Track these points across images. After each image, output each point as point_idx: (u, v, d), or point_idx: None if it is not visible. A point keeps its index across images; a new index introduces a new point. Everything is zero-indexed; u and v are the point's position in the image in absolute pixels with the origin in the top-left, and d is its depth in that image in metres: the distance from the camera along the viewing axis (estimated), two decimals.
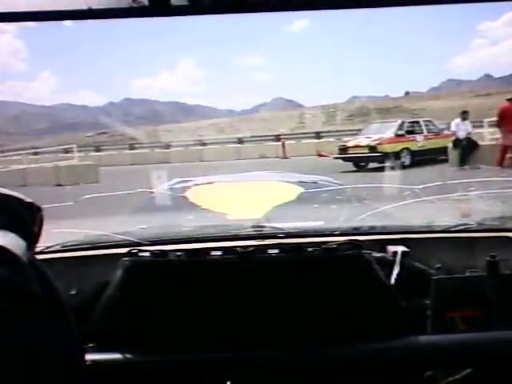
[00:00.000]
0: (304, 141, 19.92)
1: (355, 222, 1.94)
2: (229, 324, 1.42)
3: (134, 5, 0.98)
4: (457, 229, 1.79)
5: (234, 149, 20.95)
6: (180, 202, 2.68)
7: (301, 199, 2.62)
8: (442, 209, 2.08)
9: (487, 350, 1.44)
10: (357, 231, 1.78)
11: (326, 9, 1.04)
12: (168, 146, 22.78)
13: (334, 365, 1.41)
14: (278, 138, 20.73)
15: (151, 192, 3.11)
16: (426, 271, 1.59)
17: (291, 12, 1.03)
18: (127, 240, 1.69)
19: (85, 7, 0.98)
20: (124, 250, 1.53)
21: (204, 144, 22.96)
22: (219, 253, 1.49)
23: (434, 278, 1.51)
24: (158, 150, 22.25)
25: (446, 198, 2.10)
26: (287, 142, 18.83)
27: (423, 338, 1.45)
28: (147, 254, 1.49)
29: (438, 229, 1.82)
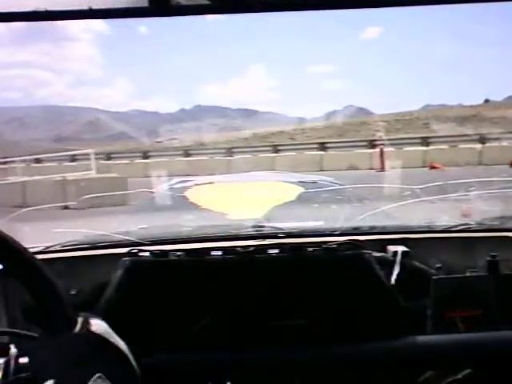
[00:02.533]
0: (407, 148, 15.59)
1: (355, 222, 1.93)
2: (229, 324, 1.42)
3: (135, 5, 0.98)
4: (457, 229, 1.79)
5: (314, 157, 15.97)
6: (180, 202, 2.68)
7: (301, 199, 2.61)
8: (442, 209, 2.08)
9: (487, 350, 1.44)
10: (357, 231, 1.77)
11: (325, 9, 1.04)
12: (231, 153, 18.22)
13: (334, 365, 1.41)
14: (372, 143, 16.45)
15: (151, 192, 3.11)
16: (426, 271, 1.59)
17: (291, 12, 1.03)
18: (127, 240, 1.69)
19: (85, 7, 0.98)
20: (124, 250, 1.53)
21: (277, 151, 17.98)
22: (219, 253, 1.49)
23: (434, 277, 1.51)
24: (218, 158, 17.27)
25: (446, 197, 2.09)
26: (386, 150, 14.47)
27: (423, 338, 1.45)
28: (147, 253, 1.49)
29: (438, 229, 1.81)
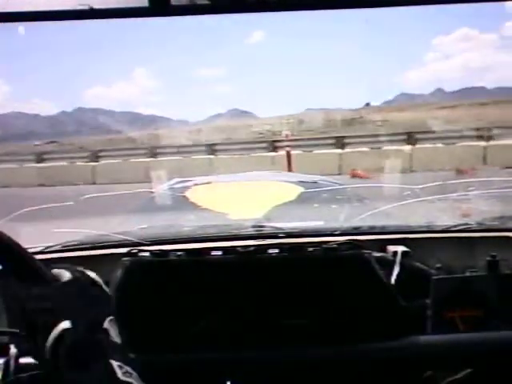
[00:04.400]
0: (318, 150, 13.23)
1: (355, 222, 1.93)
2: (229, 324, 1.42)
3: (135, 5, 0.98)
4: (457, 229, 1.79)
5: (202, 162, 12.54)
6: (180, 202, 2.68)
7: (301, 199, 2.62)
8: (442, 209, 2.08)
9: (487, 350, 1.44)
10: (357, 231, 1.78)
11: (325, 9, 1.04)
12: (96, 158, 14.64)
13: (334, 365, 1.41)
14: (274, 145, 14.02)
15: (151, 192, 3.11)
16: (426, 271, 1.59)
17: (291, 12, 1.03)
18: (127, 240, 1.69)
19: (85, 7, 0.98)
20: (124, 250, 1.53)
21: (155, 154, 14.53)
22: (219, 252, 1.50)
23: (434, 277, 1.51)
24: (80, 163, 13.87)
25: (446, 197, 2.09)
26: (293, 152, 12.15)
27: (423, 338, 1.45)
28: (147, 253, 1.49)
29: (438, 229, 1.81)
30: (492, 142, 11.50)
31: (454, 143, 11.47)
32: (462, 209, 2.14)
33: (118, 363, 1.01)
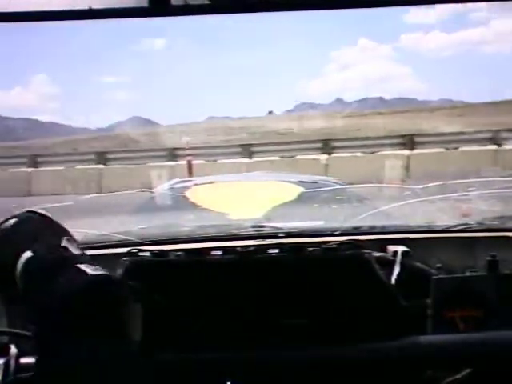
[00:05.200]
0: (224, 160, 11.45)
1: (355, 222, 1.93)
2: (229, 324, 1.42)
3: (135, 5, 0.98)
4: (457, 229, 1.79)
5: (92, 173, 11.16)
6: (180, 202, 2.68)
7: (301, 199, 2.62)
8: (443, 208, 2.08)
9: (487, 350, 1.44)
10: (357, 231, 1.78)
11: (325, 9, 1.04)
12: None
13: (334, 365, 1.40)
14: (174, 154, 12.28)
15: (151, 192, 3.11)
16: (426, 271, 1.59)
17: (291, 12, 1.03)
18: (127, 240, 1.69)
19: (85, 7, 0.98)
20: (124, 250, 1.53)
21: (35, 164, 12.82)
22: (219, 252, 1.50)
23: (434, 277, 1.51)
24: None
25: (447, 197, 2.09)
26: (196, 162, 10.44)
27: (423, 338, 1.45)
28: (147, 253, 1.49)
29: (438, 229, 1.82)
30: (416, 151, 11.08)
31: (373, 152, 10.81)
32: (462, 209, 2.14)
33: (85, 264, 1.14)
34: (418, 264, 1.62)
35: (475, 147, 10.49)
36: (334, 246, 1.50)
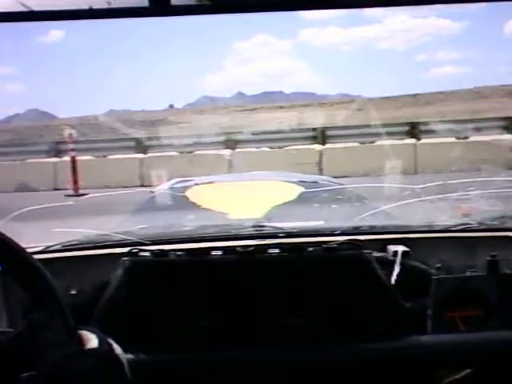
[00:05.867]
0: (115, 156, 10.47)
1: (355, 222, 1.93)
2: (229, 324, 1.42)
3: (135, 5, 0.98)
4: (457, 228, 1.79)
5: None
6: (180, 202, 2.68)
7: (301, 199, 2.61)
8: (443, 208, 2.07)
9: (487, 350, 1.44)
10: (357, 231, 1.77)
11: (325, 8, 1.04)
12: None
13: (334, 365, 1.41)
14: (58, 150, 10.66)
15: (151, 191, 3.11)
16: (426, 271, 1.59)
17: (291, 12, 1.03)
18: (127, 240, 1.69)
19: (85, 7, 0.98)
20: (124, 250, 1.53)
21: None
22: (219, 252, 1.50)
23: (435, 277, 1.51)
24: None
25: (447, 197, 2.09)
26: (82, 158, 9.31)
27: (423, 338, 1.45)
28: (147, 253, 1.49)
29: (438, 228, 1.81)
30: (328, 145, 10.56)
31: (282, 147, 10.27)
32: (463, 208, 2.14)
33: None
34: (418, 264, 1.62)
35: (391, 141, 9.96)
36: (334, 245, 1.50)
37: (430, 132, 10.40)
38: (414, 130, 10.65)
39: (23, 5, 0.98)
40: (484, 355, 1.44)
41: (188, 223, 2.11)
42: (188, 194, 2.75)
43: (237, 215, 2.36)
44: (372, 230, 1.79)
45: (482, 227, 1.80)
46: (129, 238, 1.71)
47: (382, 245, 1.65)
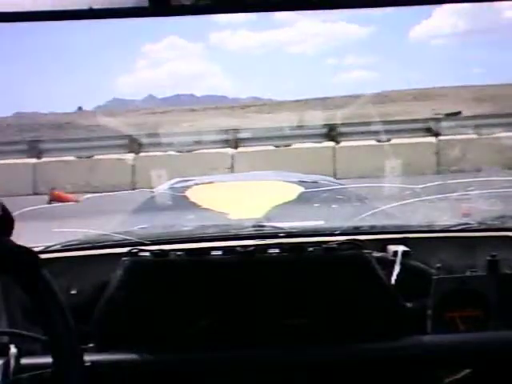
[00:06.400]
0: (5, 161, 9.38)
1: (355, 222, 1.93)
2: (229, 324, 1.42)
3: (135, 5, 0.98)
4: (457, 228, 1.79)
5: None
6: (180, 202, 2.68)
7: (301, 199, 2.62)
8: (443, 208, 2.08)
9: (487, 350, 1.44)
10: (357, 231, 1.77)
11: (325, 9, 1.04)
12: None
13: (334, 365, 1.41)
14: None
15: (151, 191, 3.11)
16: (426, 271, 1.59)
17: (291, 12, 1.03)
18: (127, 240, 1.69)
19: (85, 7, 0.98)
20: (124, 250, 1.53)
21: None
22: (219, 252, 1.49)
23: (434, 277, 1.51)
24: None
25: (447, 197, 2.09)
26: None
27: (423, 338, 1.45)
28: (147, 253, 1.49)
29: (438, 228, 1.81)
30: (240, 149, 10.08)
31: (190, 151, 9.72)
32: (463, 208, 2.14)
33: None
34: (418, 264, 1.62)
35: (310, 144, 9.92)
36: (335, 245, 1.50)
37: (349, 134, 10.22)
38: (332, 132, 10.34)
39: (23, 5, 0.98)
40: (484, 355, 1.44)
41: (188, 223, 2.12)
42: (188, 193, 2.75)
43: (237, 215, 2.36)
44: (372, 230, 1.79)
45: (482, 227, 1.80)
46: (129, 237, 1.71)
47: (382, 245, 1.65)
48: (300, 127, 10.69)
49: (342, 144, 10.12)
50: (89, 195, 2.51)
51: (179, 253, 1.50)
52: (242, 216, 2.30)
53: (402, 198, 2.10)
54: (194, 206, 2.58)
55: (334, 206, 2.47)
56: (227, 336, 1.41)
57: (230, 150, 10.06)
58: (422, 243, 1.68)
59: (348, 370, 1.41)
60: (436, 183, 2.18)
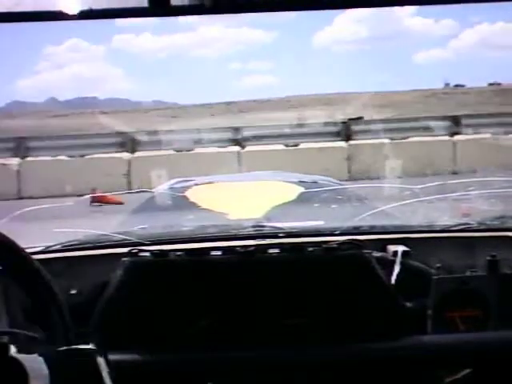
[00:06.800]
0: None
1: (355, 222, 1.93)
2: (229, 324, 1.42)
3: (135, 5, 0.98)
4: (457, 228, 1.79)
5: None
6: (180, 202, 2.68)
7: (301, 199, 2.62)
8: (442, 208, 2.08)
9: (487, 350, 1.44)
10: (357, 231, 1.77)
11: (325, 9, 1.04)
12: None
13: (334, 365, 1.41)
14: None
15: (151, 192, 3.11)
16: (426, 271, 1.59)
17: (291, 12, 1.03)
18: (127, 240, 1.69)
19: (85, 7, 0.98)
20: (124, 250, 1.53)
21: None
22: (219, 252, 1.49)
23: (434, 277, 1.51)
24: None
25: (446, 197, 2.09)
26: None
27: (423, 338, 1.45)
28: (147, 253, 1.49)
29: (438, 228, 1.81)
30: (137, 154, 9.56)
31: (83, 155, 9.39)
32: (462, 208, 2.14)
33: None
34: (418, 264, 1.62)
35: (215, 149, 9.36)
36: (334, 245, 1.50)
37: (256, 138, 9.77)
38: (237, 136, 9.88)
39: (23, 5, 0.98)
40: (484, 355, 1.44)
41: (188, 223, 2.12)
42: (188, 194, 2.75)
43: (236, 215, 2.36)
44: (372, 230, 1.79)
45: (482, 227, 1.80)
46: (129, 238, 1.71)
47: (382, 245, 1.65)
48: (203, 131, 10.25)
49: (248, 149, 9.64)
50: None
51: (179, 253, 1.50)
52: (242, 216, 2.30)
53: (401, 199, 2.10)
54: (193, 206, 2.58)
55: (333, 206, 2.47)
56: (227, 336, 1.41)
57: (124, 155, 9.65)
58: (422, 243, 1.68)
59: (348, 370, 1.41)
60: (435, 183, 2.18)
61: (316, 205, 2.48)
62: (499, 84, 14.10)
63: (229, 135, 10.14)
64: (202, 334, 1.41)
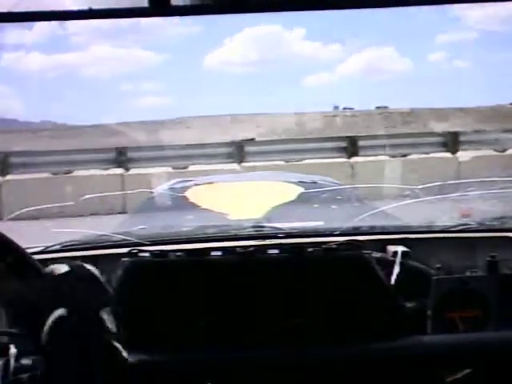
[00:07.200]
0: None
1: (355, 222, 1.93)
2: (229, 324, 1.42)
3: (135, 5, 0.98)
4: (457, 229, 1.79)
5: None
6: (180, 202, 2.68)
7: (301, 199, 2.62)
8: (442, 209, 2.08)
9: (487, 350, 1.44)
10: (357, 231, 1.78)
11: (325, 9, 1.04)
12: None
13: (334, 365, 1.41)
14: None
15: (151, 192, 3.12)
16: (425, 271, 1.59)
17: (291, 12, 1.03)
18: (127, 240, 1.69)
19: (85, 7, 0.98)
20: (124, 250, 1.53)
21: None
22: (219, 253, 1.50)
23: (434, 278, 1.51)
24: None
25: (446, 197, 2.10)
26: None
27: (423, 338, 1.45)
28: (147, 254, 1.49)
29: (437, 229, 1.81)
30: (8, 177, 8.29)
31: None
32: (462, 209, 2.15)
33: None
34: (418, 264, 1.62)
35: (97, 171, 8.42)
36: (334, 246, 1.50)
37: (138, 161, 8.83)
38: (121, 157, 8.88)
39: (23, 5, 0.98)
40: (484, 355, 1.44)
41: (187, 223, 2.12)
42: (187, 194, 2.75)
43: (236, 216, 2.36)
44: (372, 231, 1.79)
45: (482, 227, 1.80)
46: (128, 238, 1.71)
47: (382, 245, 1.65)
48: (86, 151, 9.38)
49: (132, 171, 8.74)
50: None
51: (179, 253, 1.50)
52: (242, 216, 2.30)
53: (401, 199, 2.11)
54: (193, 207, 2.58)
55: (333, 206, 2.47)
56: (227, 336, 1.41)
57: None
58: (422, 243, 1.68)
59: (348, 370, 1.41)
60: (436, 183, 2.19)
61: (316, 205, 2.49)
62: (386, 107, 14.27)
63: (113, 156, 9.17)
64: (201, 334, 1.40)
